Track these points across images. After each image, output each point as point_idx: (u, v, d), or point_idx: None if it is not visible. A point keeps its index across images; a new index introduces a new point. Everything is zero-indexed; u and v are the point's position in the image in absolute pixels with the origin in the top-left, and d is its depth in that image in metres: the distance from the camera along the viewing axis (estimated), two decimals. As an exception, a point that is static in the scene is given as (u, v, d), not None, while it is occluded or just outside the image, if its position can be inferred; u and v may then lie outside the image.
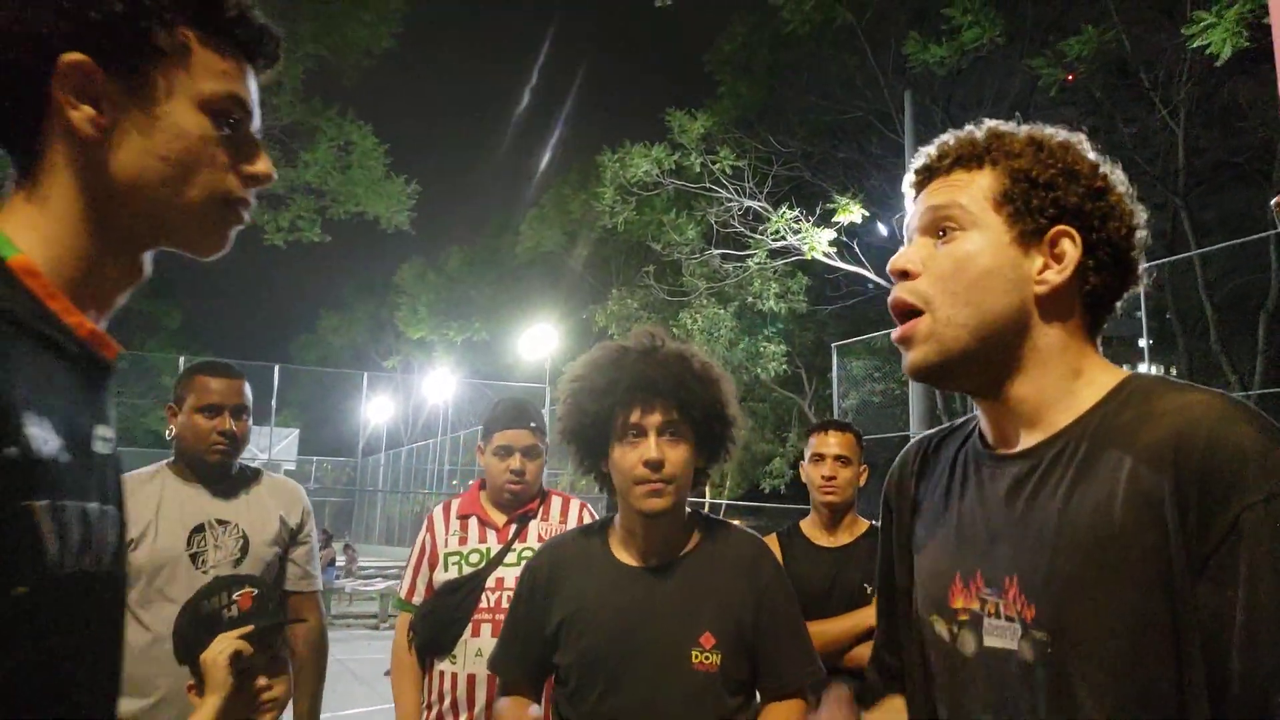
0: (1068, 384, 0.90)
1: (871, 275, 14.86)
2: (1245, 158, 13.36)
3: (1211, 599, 0.75)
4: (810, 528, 2.68)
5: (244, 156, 0.81)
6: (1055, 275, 0.89)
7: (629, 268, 20.12)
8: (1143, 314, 11.19)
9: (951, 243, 0.92)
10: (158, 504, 2.16)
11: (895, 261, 0.95)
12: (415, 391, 30.18)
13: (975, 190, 0.93)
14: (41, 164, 0.74)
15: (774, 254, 15.11)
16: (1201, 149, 13.50)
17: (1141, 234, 0.93)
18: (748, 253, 15.47)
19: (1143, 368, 12.21)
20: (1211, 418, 0.79)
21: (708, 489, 18.33)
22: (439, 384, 27.12)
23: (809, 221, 14.28)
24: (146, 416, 31.89)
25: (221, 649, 1.35)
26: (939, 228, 0.94)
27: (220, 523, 2.19)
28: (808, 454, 2.73)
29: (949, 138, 0.98)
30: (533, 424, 2.45)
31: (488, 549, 2.41)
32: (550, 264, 25.87)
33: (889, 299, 0.95)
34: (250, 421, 2.28)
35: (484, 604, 2.32)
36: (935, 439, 1.11)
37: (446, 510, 2.53)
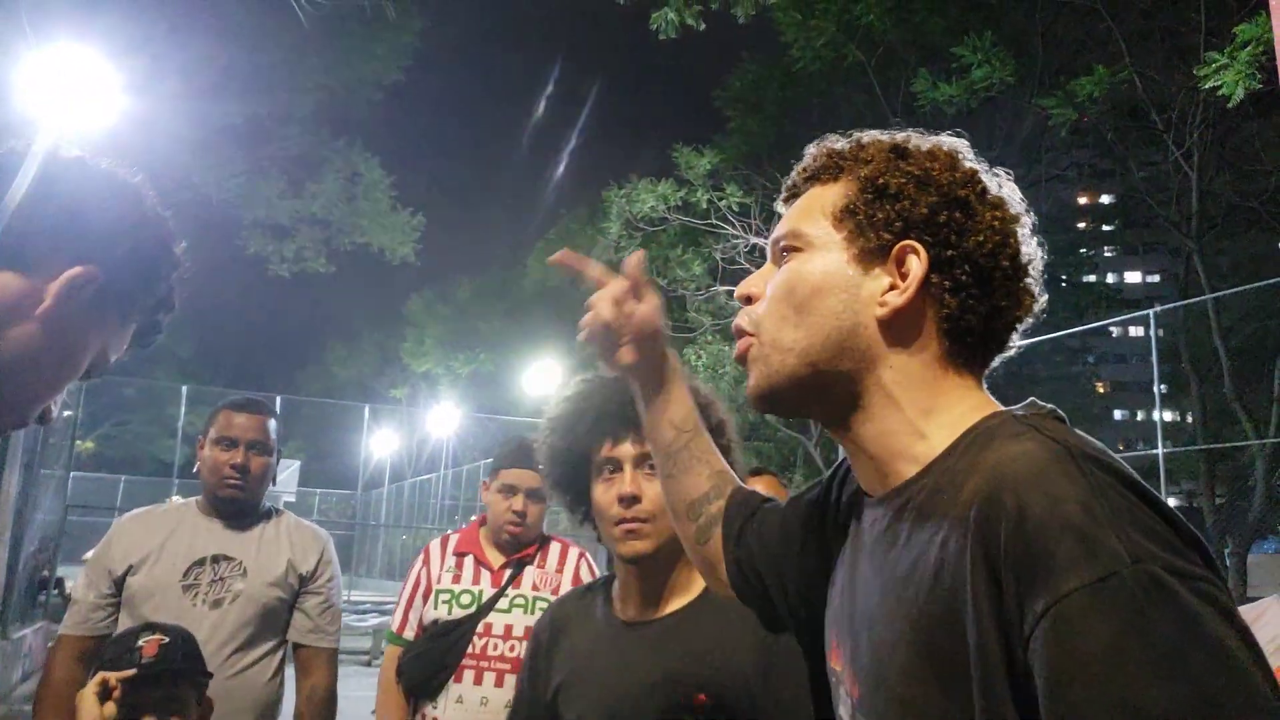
0: (919, 425, 0.78)
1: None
2: (1259, 201, 13.18)
3: (1022, 707, 0.60)
4: None
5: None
6: (896, 296, 0.78)
7: (635, 303, 19.92)
8: (1154, 359, 10.93)
9: (786, 265, 0.84)
10: (168, 533, 2.18)
11: (739, 288, 0.89)
12: (419, 424, 30.03)
13: (818, 207, 0.84)
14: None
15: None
16: (1215, 192, 13.32)
17: (1027, 257, 0.81)
18: (754, 290, 15.31)
19: (1155, 415, 11.92)
20: (1027, 476, 0.64)
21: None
22: (443, 417, 26.96)
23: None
24: (153, 444, 31.93)
25: (92, 684, 1.45)
26: (779, 254, 0.86)
27: (224, 558, 2.17)
28: None
29: (813, 149, 0.89)
30: (540, 466, 2.37)
31: (480, 591, 2.37)
32: (557, 298, 25.78)
33: (736, 331, 0.88)
34: (272, 459, 2.25)
35: (471, 649, 2.29)
36: (844, 467, 0.96)
37: (444, 544, 2.50)
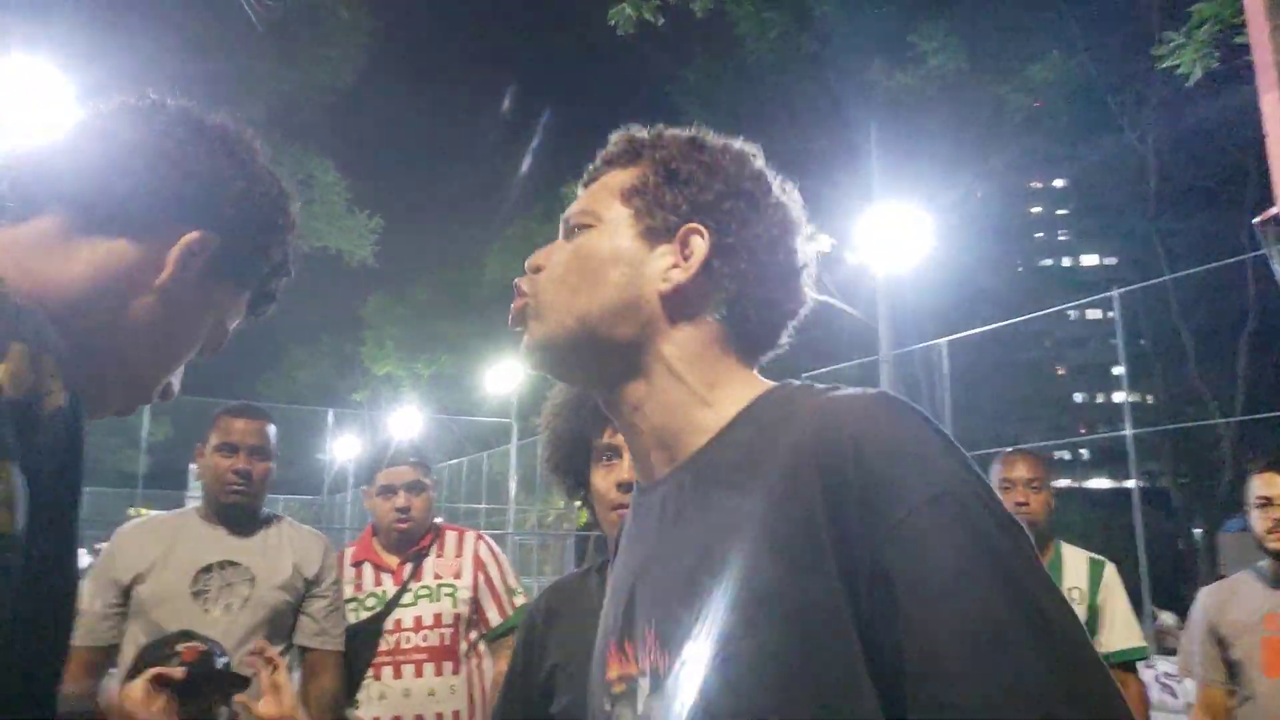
0: (704, 395, 0.81)
1: (842, 305, 14.71)
2: (1216, 181, 13.39)
3: (883, 634, 0.61)
4: None
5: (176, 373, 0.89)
6: (680, 273, 0.82)
7: (596, 300, 19.86)
8: (1120, 341, 11.06)
9: (573, 239, 0.87)
10: (172, 541, 2.19)
11: (529, 259, 0.89)
12: (382, 428, 29.71)
13: (611, 188, 0.87)
14: (115, 267, 0.79)
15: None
16: (1171, 173, 13.52)
17: (802, 260, 0.87)
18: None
19: (1119, 396, 12.06)
20: (859, 414, 0.69)
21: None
22: (405, 420, 26.68)
23: (778, 251, 14.10)
24: (115, 455, 31.23)
25: (136, 685, 1.45)
26: (570, 231, 0.88)
27: (230, 564, 2.18)
28: (995, 479, 2.63)
29: (615, 136, 0.92)
30: (413, 459, 2.49)
31: (383, 592, 2.44)
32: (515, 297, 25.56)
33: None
34: (272, 464, 2.28)
35: (384, 646, 2.36)
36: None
37: (340, 560, 2.51)
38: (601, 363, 0.84)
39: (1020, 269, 21.48)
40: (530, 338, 0.86)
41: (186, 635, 1.64)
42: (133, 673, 1.53)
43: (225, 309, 0.88)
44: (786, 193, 0.88)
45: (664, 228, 0.83)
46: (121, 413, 0.85)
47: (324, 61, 15.83)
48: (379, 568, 2.47)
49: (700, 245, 0.82)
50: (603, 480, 1.42)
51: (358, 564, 2.50)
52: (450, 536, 2.55)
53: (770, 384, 0.82)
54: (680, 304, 0.82)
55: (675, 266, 0.82)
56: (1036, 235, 23.31)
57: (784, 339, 0.89)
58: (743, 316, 0.83)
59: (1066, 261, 35.68)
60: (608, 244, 0.84)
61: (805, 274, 0.88)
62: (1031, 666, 0.57)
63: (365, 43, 16.16)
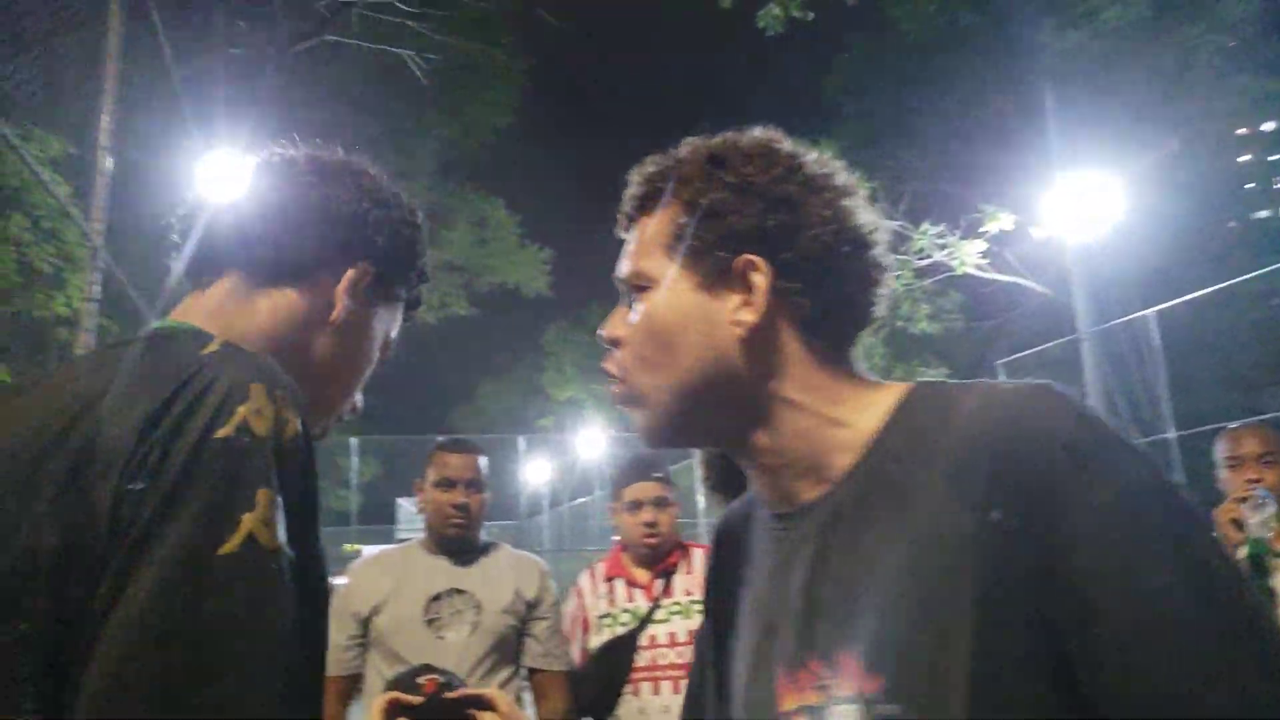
0: (833, 415, 0.79)
1: (1031, 283, 13.88)
2: None
3: (1075, 635, 0.61)
4: None
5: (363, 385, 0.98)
6: (749, 313, 0.78)
7: (769, 306, 19.77)
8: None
9: (638, 306, 0.84)
10: (402, 574, 2.32)
11: (602, 330, 0.88)
12: (569, 450, 30.65)
13: (652, 241, 0.84)
14: (281, 311, 0.88)
15: (920, 273, 14.34)
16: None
17: (868, 228, 0.81)
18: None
19: None
20: (1025, 411, 0.67)
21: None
22: (591, 441, 27.43)
23: (956, 235, 13.49)
24: (328, 496, 33.91)
25: (383, 698, 1.58)
26: (630, 294, 0.85)
27: (457, 591, 2.28)
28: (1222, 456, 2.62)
29: (635, 175, 0.87)
30: (657, 475, 2.50)
31: (636, 608, 2.46)
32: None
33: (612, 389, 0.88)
34: (486, 494, 2.39)
35: (640, 662, 2.38)
36: (741, 510, 0.95)
37: (593, 575, 2.59)
38: (716, 423, 0.82)
39: (1234, 224, 19.54)
40: (643, 426, 0.84)
41: (427, 669, 1.73)
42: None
43: (389, 323, 0.96)
44: (823, 164, 0.83)
45: (717, 271, 0.79)
46: (318, 437, 0.91)
47: (484, 104, 16.63)
48: (631, 583, 2.50)
49: (759, 278, 0.78)
50: None
51: (610, 580, 2.54)
52: (697, 554, 2.55)
53: (899, 386, 0.80)
54: (762, 340, 0.79)
55: (743, 306, 0.79)
56: (1248, 186, 21.13)
57: (881, 310, 0.85)
58: (828, 321, 0.81)
59: (1288, 211, 32.27)
60: (672, 308, 0.81)
61: (877, 237, 0.83)
62: (1243, 672, 0.59)
63: (520, 82, 16.84)
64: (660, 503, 2.46)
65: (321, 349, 0.89)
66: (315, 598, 0.68)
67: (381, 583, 2.30)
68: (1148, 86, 13.70)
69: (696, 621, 2.36)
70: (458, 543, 2.34)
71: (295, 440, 0.67)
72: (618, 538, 2.73)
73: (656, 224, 0.84)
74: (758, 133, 0.85)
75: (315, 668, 0.68)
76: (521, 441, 26.99)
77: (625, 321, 0.85)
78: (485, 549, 2.41)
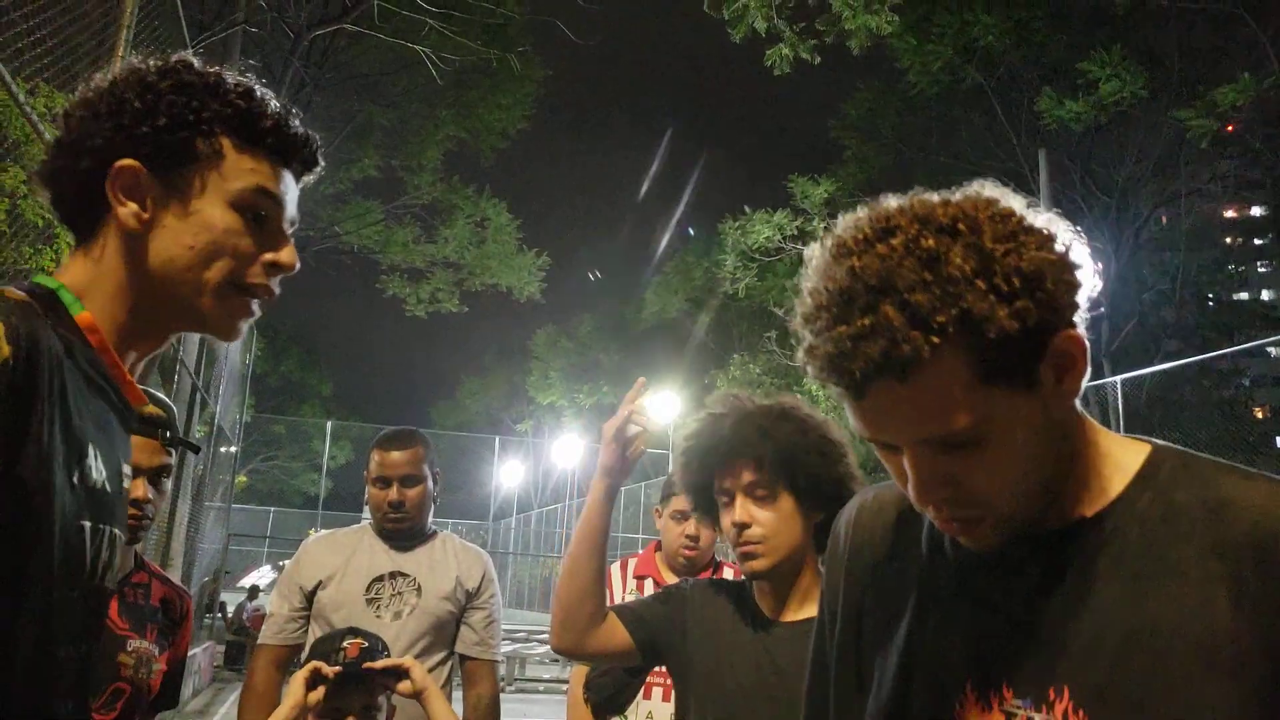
0: (1097, 467, 0.80)
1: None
2: None
3: None
4: None
5: (269, 246, 0.91)
6: (1075, 381, 0.75)
7: (751, 333, 20.01)
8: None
9: (975, 454, 0.74)
10: (350, 553, 2.36)
11: (920, 493, 0.77)
12: (545, 456, 30.71)
13: (951, 386, 0.71)
14: (96, 244, 0.87)
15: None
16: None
17: (1076, 267, 0.75)
18: (875, 317, 15.11)
19: None
20: None
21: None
22: (568, 448, 27.53)
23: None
24: (298, 479, 33.70)
25: (303, 671, 1.65)
26: (952, 449, 0.75)
27: (400, 575, 2.33)
28: None
29: (893, 320, 0.69)
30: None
31: None
32: (674, 330, 26.07)
33: (934, 519, 0.81)
34: (426, 484, 2.38)
35: (657, 668, 2.43)
36: (901, 504, 0.90)
37: (624, 567, 2.61)
38: (1053, 496, 0.80)
39: (1212, 302, 19.95)
40: (990, 540, 0.80)
41: (353, 632, 1.80)
42: (305, 662, 1.72)
43: (235, 182, 0.88)
44: (1054, 221, 0.77)
45: (1028, 372, 0.72)
46: (232, 337, 0.95)
47: (497, 110, 16.80)
48: (659, 586, 2.49)
49: (1071, 345, 0.73)
50: (723, 520, 1.52)
51: (640, 577, 2.57)
52: (728, 574, 2.57)
53: (1140, 445, 0.81)
54: (1068, 405, 0.78)
55: (1066, 376, 0.74)
56: (1230, 267, 21.55)
57: None
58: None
59: (1266, 295, 32.81)
60: (1016, 436, 0.74)
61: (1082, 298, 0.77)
62: None
63: (534, 91, 17.06)
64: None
65: (147, 257, 0.86)
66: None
67: (329, 560, 2.35)
68: (1138, 162, 14.14)
69: None
70: (396, 535, 2.39)
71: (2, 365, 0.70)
72: (651, 541, 2.78)
73: (949, 369, 0.70)
74: (979, 209, 0.75)
75: None
76: (496, 441, 27.06)
77: (950, 474, 0.76)
78: (431, 536, 2.45)
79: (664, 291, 25.83)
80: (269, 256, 0.91)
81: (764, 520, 1.47)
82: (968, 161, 16.08)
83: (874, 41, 9.77)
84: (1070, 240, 0.75)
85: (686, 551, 2.47)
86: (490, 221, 17.06)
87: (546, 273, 17.87)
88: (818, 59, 9.66)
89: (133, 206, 0.86)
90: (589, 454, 27.55)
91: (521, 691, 12.25)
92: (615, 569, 2.64)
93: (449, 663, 2.37)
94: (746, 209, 15.77)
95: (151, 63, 0.90)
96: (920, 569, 0.88)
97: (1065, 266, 0.73)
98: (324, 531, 2.49)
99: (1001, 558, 0.81)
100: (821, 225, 15.27)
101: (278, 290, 0.94)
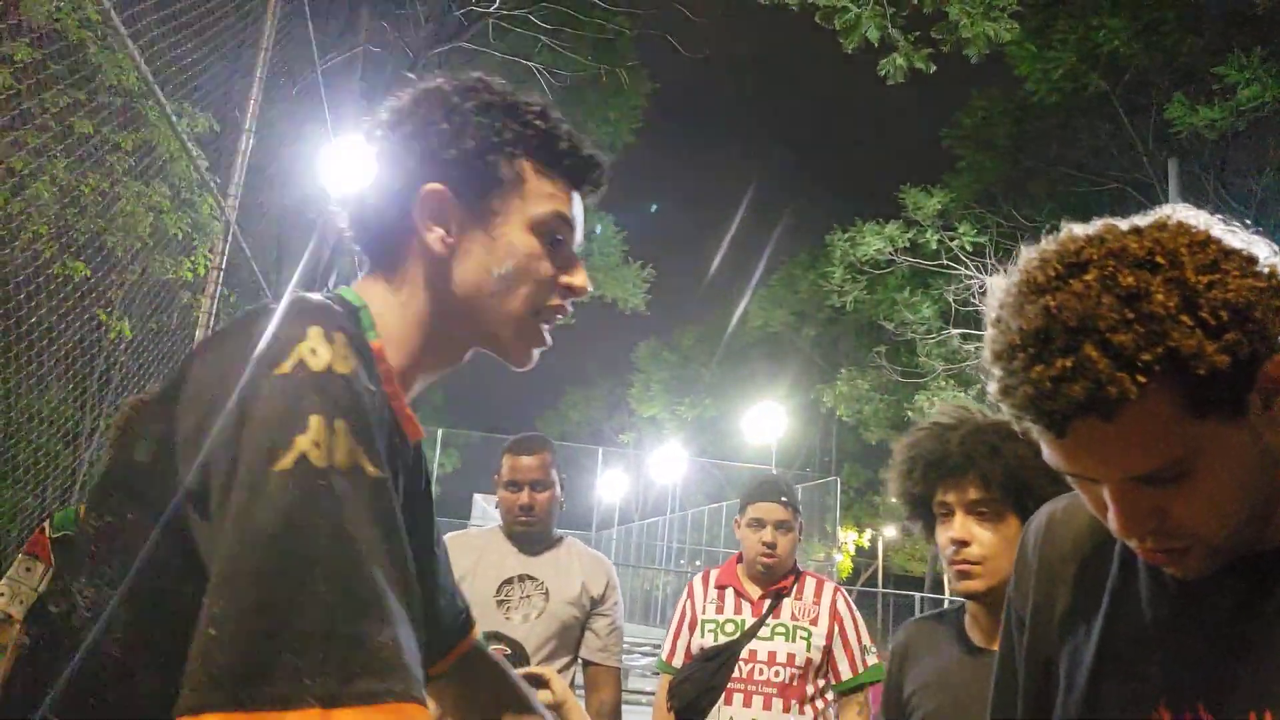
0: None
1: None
2: None
3: None
4: None
5: (563, 269, 0.91)
6: None
7: (859, 347, 19.65)
8: None
9: (1183, 486, 0.72)
10: (480, 554, 2.41)
11: (1125, 527, 0.76)
12: (646, 468, 30.81)
13: (1157, 425, 0.68)
14: (401, 271, 0.88)
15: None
16: None
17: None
18: (990, 332, 14.65)
19: None
20: None
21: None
22: (669, 461, 27.55)
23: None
24: (407, 483, 34.64)
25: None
26: (1158, 482, 0.73)
27: (529, 578, 2.38)
28: None
29: (1097, 364, 0.66)
30: (784, 498, 2.54)
31: (742, 620, 2.53)
32: (777, 343, 25.83)
33: (1138, 550, 0.79)
34: (555, 489, 2.44)
35: (737, 674, 2.44)
36: (1092, 520, 0.85)
37: (705, 579, 2.67)
38: (1263, 521, 0.78)
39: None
40: (1206, 565, 0.78)
41: (496, 637, 1.79)
42: None
43: (536, 208, 0.88)
44: (1254, 241, 0.75)
45: (1234, 402, 0.69)
46: (525, 365, 0.93)
47: (605, 124, 17.04)
48: (741, 595, 2.57)
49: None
50: (940, 535, 1.48)
51: (721, 587, 2.61)
52: (810, 582, 2.60)
53: None
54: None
55: (1276, 396, 0.71)
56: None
57: None
58: None
59: None
60: (1226, 466, 0.72)
61: None
62: None
63: (642, 104, 17.23)
64: (782, 526, 2.51)
65: (450, 283, 0.86)
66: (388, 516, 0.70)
67: (461, 559, 2.34)
68: (1278, 171, 13.30)
69: (798, 646, 2.47)
70: (526, 538, 2.43)
71: (346, 378, 0.70)
72: (731, 554, 2.80)
73: (1149, 410, 0.68)
74: (1159, 232, 0.72)
75: (383, 578, 0.66)
76: (600, 453, 27.26)
77: (1155, 507, 0.74)
78: (558, 541, 2.49)
79: (768, 304, 25.62)
80: (564, 280, 0.90)
81: (984, 540, 1.44)
82: (1090, 172, 15.46)
83: (991, 49, 9.52)
84: (1274, 261, 0.72)
85: (764, 558, 2.51)
86: (596, 233, 17.29)
87: (650, 284, 17.99)
88: (933, 68, 9.47)
89: (439, 232, 0.86)
90: (691, 467, 27.52)
91: (624, 704, 12.32)
92: (698, 581, 2.70)
93: (572, 668, 2.40)
94: (857, 220, 15.53)
95: (443, 82, 0.89)
96: (1113, 580, 0.86)
97: (1273, 292, 0.69)
98: (455, 532, 2.53)
99: (1205, 581, 0.79)
100: (935, 238, 14.95)
101: (570, 311, 0.94)
